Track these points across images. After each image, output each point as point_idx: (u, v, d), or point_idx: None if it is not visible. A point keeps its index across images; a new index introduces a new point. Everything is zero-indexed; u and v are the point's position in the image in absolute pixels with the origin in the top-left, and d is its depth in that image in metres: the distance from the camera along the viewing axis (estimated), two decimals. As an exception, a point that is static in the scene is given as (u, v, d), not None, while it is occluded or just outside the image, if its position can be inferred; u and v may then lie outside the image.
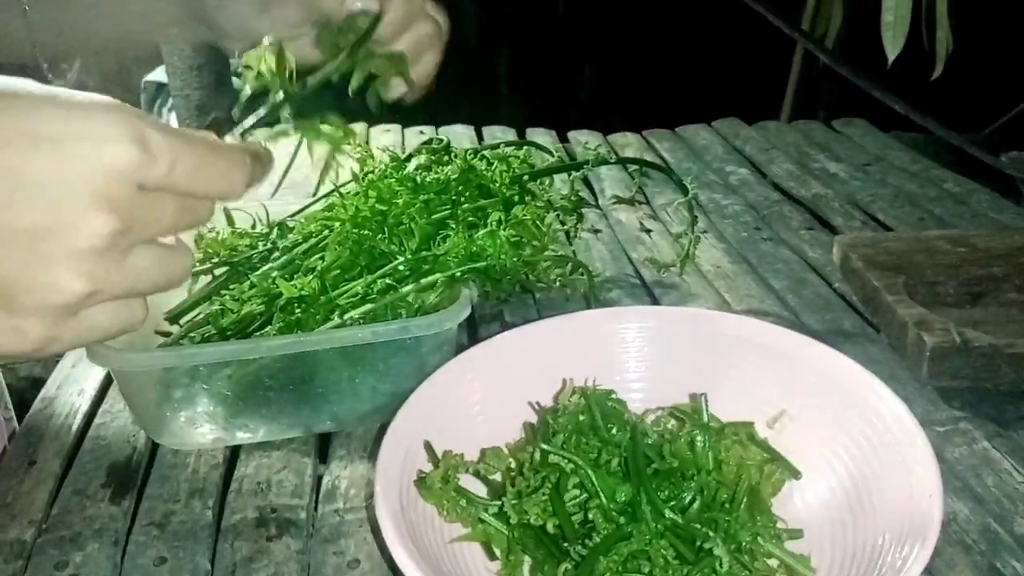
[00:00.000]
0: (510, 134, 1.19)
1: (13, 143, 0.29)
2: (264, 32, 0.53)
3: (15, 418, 0.65)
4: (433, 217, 0.59)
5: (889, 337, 0.66)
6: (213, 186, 0.35)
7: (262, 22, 0.55)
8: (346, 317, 0.55)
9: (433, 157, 0.68)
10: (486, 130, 1.20)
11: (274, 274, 0.58)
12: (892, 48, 1.35)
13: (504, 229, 0.58)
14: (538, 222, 0.62)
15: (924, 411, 0.58)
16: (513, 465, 0.47)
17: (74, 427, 0.58)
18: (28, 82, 0.31)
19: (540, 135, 1.18)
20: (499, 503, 0.43)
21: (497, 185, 0.63)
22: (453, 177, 0.63)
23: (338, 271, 0.57)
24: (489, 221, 0.59)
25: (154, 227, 0.33)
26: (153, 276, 0.35)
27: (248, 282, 0.59)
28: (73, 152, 0.30)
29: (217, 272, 0.62)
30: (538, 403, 0.51)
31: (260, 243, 0.63)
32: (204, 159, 0.34)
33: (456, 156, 0.66)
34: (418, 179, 0.62)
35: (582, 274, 0.67)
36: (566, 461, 0.44)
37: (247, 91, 0.51)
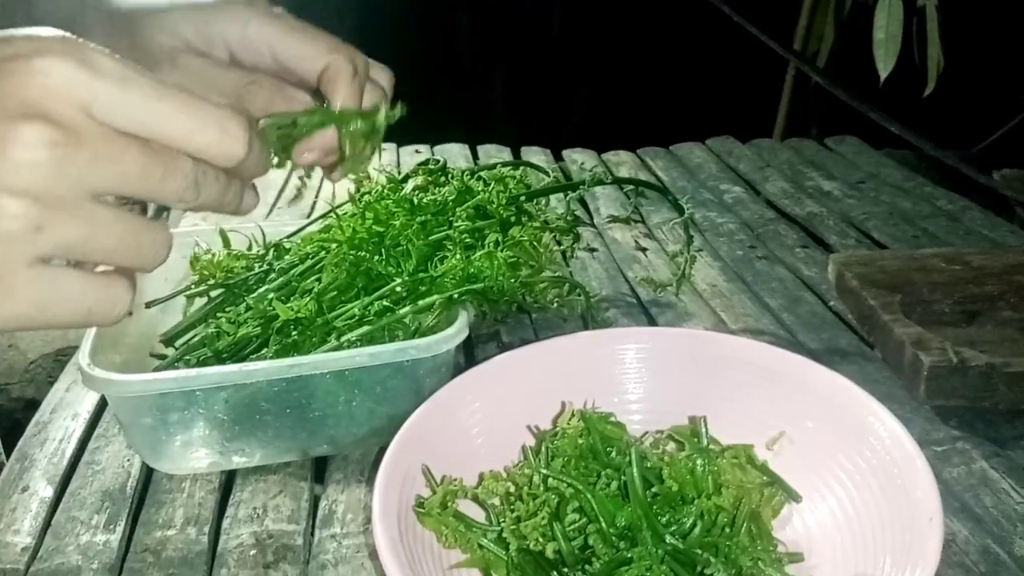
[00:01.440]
0: (505, 152, 1.19)
1: None
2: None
3: (3, 452, 0.64)
4: (430, 238, 0.59)
5: (886, 356, 0.66)
6: (190, 128, 0.29)
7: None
8: (343, 339, 0.54)
9: (430, 178, 0.68)
10: (481, 149, 1.20)
11: (270, 296, 0.58)
12: (884, 66, 1.36)
13: (501, 250, 0.58)
14: (535, 243, 0.62)
15: (922, 431, 0.58)
16: (512, 489, 0.46)
17: (68, 452, 0.57)
18: None
19: (535, 154, 1.18)
20: (498, 528, 0.43)
21: (494, 206, 0.63)
22: (450, 198, 0.63)
23: (335, 292, 0.57)
24: (486, 242, 0.59)
25: (112, 166, 0.28)
26: (118, 232, 0.29)
27: (244, 304, 0.59)
28: (5, 68, 0.27)
29: (213, 294, 0.62)
30: (536, 426, 0.51)
31: (256, 265, 0.63)
32: (172, 97, 0.29)
33: (453, 177, 0.66)
34: (415, 200, 0.62)
35: (579, 295, 0.67)
36: (565, 485, 0.43)
37: None
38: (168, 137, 0.29)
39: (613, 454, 0.45)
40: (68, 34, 0.28)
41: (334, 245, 0.59)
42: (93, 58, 0.28)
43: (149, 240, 0.30)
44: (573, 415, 0.48)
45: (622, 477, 0.43)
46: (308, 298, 0.56)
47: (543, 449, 0.47)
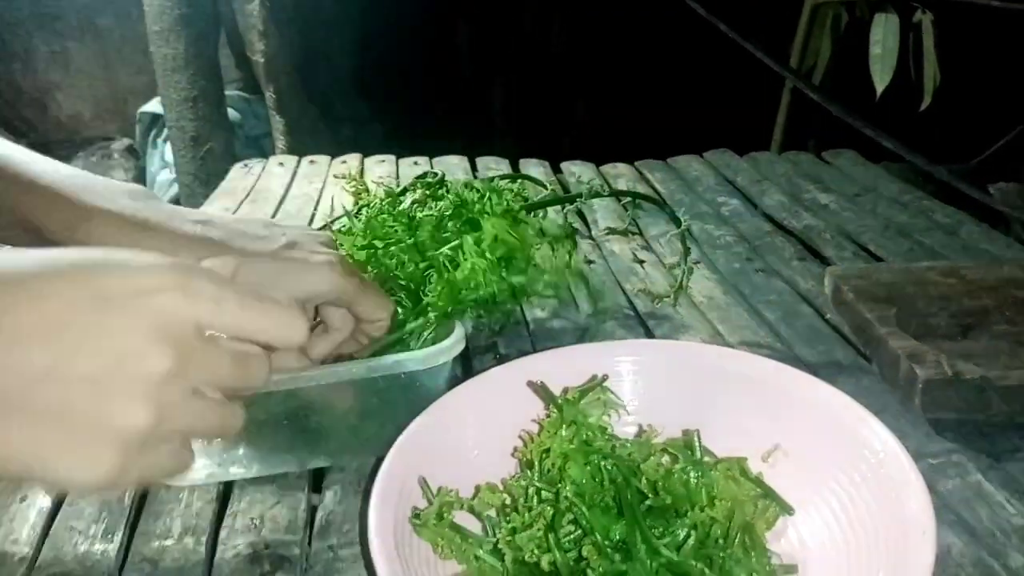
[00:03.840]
0: (504, 165, 1.20)
1: (84, 303, 0.34)
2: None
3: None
4: (427, 257, 0.60)
5: (881, 369, 0.66)
6: (265, 329, 0.38)
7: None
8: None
9: (428, 192, 0.68)
10: (480, 161, 1.21)
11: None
12: (880, 81, 1.37)
13: (483, 251, 0.58)
14: (510, 232, 0.60)
15: (917, 443, 0.58)
16: (508, 501, 0.46)
17: (66, 462, 0.57)
18: (96, 250, 0.37)
19: (534, 166, 1.19)
20: (494, 540, 0.43)
21: (488, 217, 0.63)
22: (447, 213, 0.63)
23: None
24: (464, 248, 0.58)
25: (211, 371, 0.37)
26: (210, 420, 0.38)
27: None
28: (133, 304, 0.35)
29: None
30: (529, 434, 0.51)
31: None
32: (252, 306, 0.37)
33: (450, 191, 0.67)
34: (412, 214, 0.62)
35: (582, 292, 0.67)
36: (561, 497, 0.44)
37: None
38: (249, 335, 0.38)
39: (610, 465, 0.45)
40: (175, 261, 0.36)
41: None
42: (197, 285, 0.36)
43: (231, 420, 0.39)
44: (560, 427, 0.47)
45: (616, 489, 0.44)
46: None
47: (536, 463, 0.47)
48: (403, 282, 0.59)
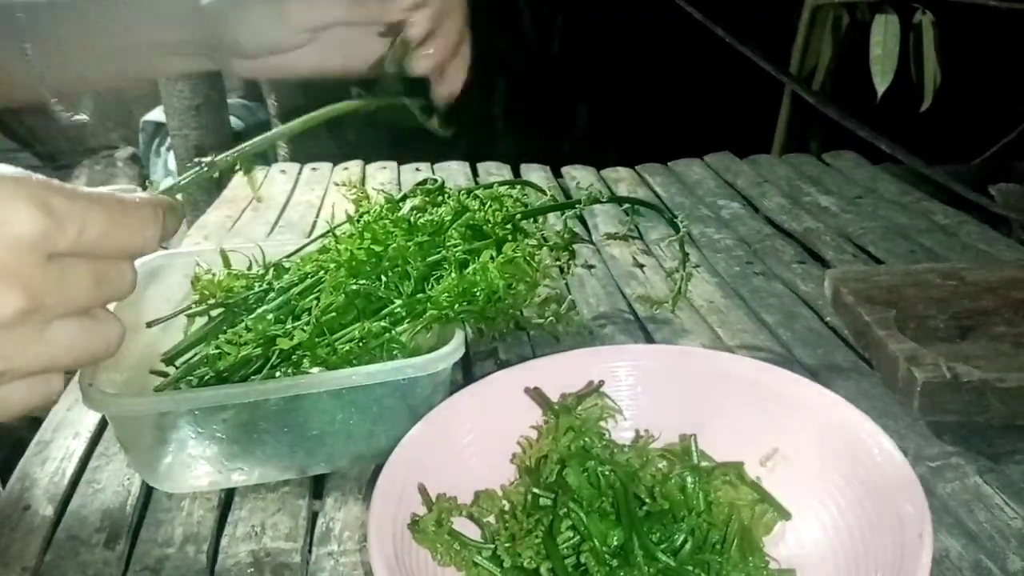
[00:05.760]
0: (505, 170, 1.20)
1: None
2: (280, 43, 0.56)
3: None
4: (428, 260, 0.60)
5: (881, 372, 0.66)
6: (126, 245, 0.35)
7: (279, 31, 0.57)
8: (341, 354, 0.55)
9: (427, 198, 0.69)
10: (481, 166, 1.21)
11: (269, 316, 0.59)
12: (881, 81, 1.37)
13: (495, 265, 0.59)
14: (528, 259, 0.62)
15: (916, 446, 0.58)
16: (507, 507, 0.47)
17: (69, 471, 0.58)
18: None
19: (534, 171, 1.19)
20: (492, 546, 0.43)
21: (490, 225, 0.63)
22: (447, 218, 0.63)
23: (333, 314, 0.57)
24: (480, 260, 0.60)
25: (70, 299, 0.33)
26: (76, 352, 0.34)
27: (244, 324, 0.59)
28: None
29: (213, 313, 0.63)
30: (529, 440, 0.51)
31: (256, 284, 0.64)
32: (114, 219, 0.34)
33: (450, 196, 0.67)
34: (412, 220, 0.63)
35: (573, 309, 0.67)
36: (559, 503, 0.44)
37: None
38: (109, 255, 0.34)
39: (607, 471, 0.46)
40: (22, 173, 0.31)
41: (333, 265, 0.60)
42: (53, 204, 0.31)
43: (102, 342, 0.35)
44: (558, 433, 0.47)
45: (615, 495, 0.44)
46: (308, 323, 0.56)
47: (535, 468, 0.47)
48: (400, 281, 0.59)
